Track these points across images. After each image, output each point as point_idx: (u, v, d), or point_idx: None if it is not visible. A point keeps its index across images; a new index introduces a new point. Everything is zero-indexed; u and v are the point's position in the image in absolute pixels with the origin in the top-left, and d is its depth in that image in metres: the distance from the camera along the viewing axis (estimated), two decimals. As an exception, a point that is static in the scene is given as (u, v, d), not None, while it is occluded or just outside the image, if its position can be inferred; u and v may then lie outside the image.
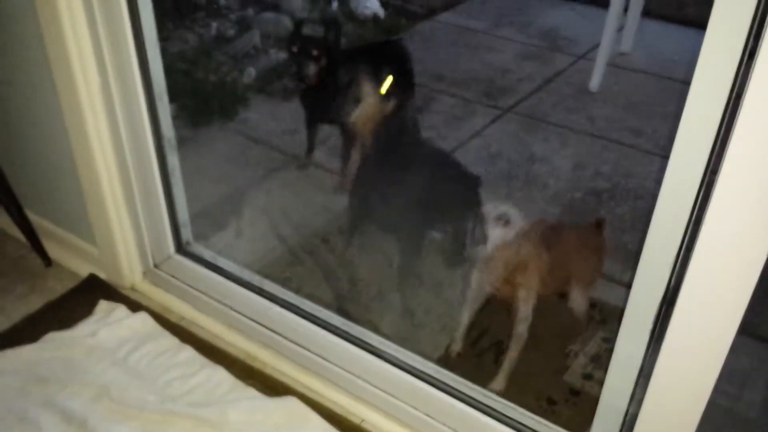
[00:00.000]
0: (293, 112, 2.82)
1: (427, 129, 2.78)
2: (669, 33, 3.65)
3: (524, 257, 1.58)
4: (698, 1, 3.66)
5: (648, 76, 3.21)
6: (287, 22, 3.31)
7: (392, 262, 2.02)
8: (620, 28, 3.21)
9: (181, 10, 3.33)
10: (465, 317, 1.77)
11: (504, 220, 1.55)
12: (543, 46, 3.52)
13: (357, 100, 2.14)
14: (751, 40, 0.86)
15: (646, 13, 3.37)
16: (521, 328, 1.64)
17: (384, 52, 2.51)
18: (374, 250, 2.10)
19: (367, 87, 2.07)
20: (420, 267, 1.99)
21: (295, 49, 2.20)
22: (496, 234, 1.55)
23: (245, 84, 2.95)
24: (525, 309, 1.63)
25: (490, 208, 1.57)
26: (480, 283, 1.69)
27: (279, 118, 2.81)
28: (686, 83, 0.93)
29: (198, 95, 2.82)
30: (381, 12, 3.63)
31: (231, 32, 3.28)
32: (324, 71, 2.20)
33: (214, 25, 3.30)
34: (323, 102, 2.30)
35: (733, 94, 0.91)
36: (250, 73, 2.98)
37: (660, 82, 3.15)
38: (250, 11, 3.44)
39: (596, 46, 3.21)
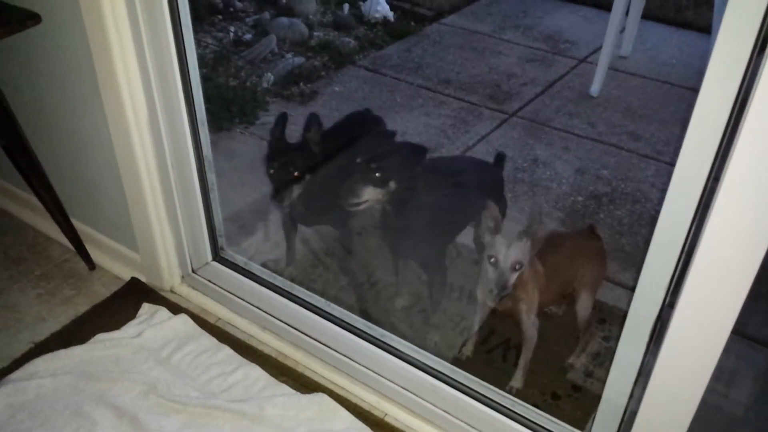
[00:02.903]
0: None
1: (435, 133, 2.93)
2: (667, 36, 3.78)
3: (522, 275, 1.64)
4: (697, 3, 3.79)
5: (646, 80, 3.34)
6: (302, 28, 3.45)
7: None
8: (621, 30, 3.33)
9: (199, 14, 3.45)
10: (475, 327, 1.90)
11: (518, 266, 1.59)
12: (546, 49, 3.65)
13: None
14: (758, 47, 0.94)
15: (645, 15, 3.49)
16: (530, 333, 1.76)
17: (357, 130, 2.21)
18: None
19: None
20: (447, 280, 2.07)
21: (272, 171, 1.87)
22: (514, 280, 1.60)
23: (264, 88, 3.09)
24: (528, 319, 1.74)
25: (498, 255, 1.59)
26: (484, 298, 1.79)
27: (297, 122, 2.94)
28: (683, 87, 1.02)
29: (219, 100, 2.96)
30: (390, 15, 3.76)
31: (248, 36, 3.41)
32: (306, 184, 1.89)
33: (232, 29, 3.43)
34: (306, 206, 1.99)
35: (737, 104, 0.98)
36: (269, 78, 3.11)
37: (658, 87, 3.28)
38: (266, 15, 3.57)
39: (597, 49, 3.35)
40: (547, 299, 1.83)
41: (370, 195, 1.75)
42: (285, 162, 1.86)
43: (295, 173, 1.85)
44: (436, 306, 2.04)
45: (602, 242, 1.95)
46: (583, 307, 1.88)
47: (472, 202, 1.94)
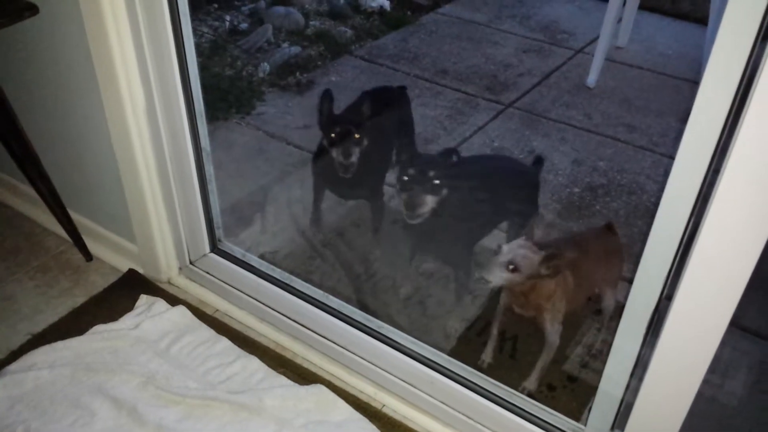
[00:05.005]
0: (306, 106, 2.97)
1: (432, 124, 2.92)
2: (663, 27, 3.78)
3: (549, 284, 1.66)
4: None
5: (642, 71, 3.35)
6: (298, 17, 3.43)
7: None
8: (618, 21, 3.33)
9: (195, 3, 3.43)
10: (495, 331, 1.88)
11: (512, 267, 1.59)
12: (543, 40, 3.65)
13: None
14: (761, 35, 0.93)
15: (642, 6, 3.49)
16: (552, 339, 1.76)
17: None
18: (390, 246, 2.25)
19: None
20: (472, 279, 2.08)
21: (333, 134, 1.91)
22: (503, 277, 1.60)
23: (260, 78, 3.07)
24: (553, 327, 1.74)
25: (503, 250, 1.61)
26: (507, 303, 1.80)
27: (294, 112, 2.95)
28: (679, 78, 1.01)
29: (215, 90, 2.94)
30: (387, 5, 3.74)
31: (243, 25, 3.40)
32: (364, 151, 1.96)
33: (227, 18, 3.41)
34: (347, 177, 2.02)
35: (739, 94, 0.98)
36: (265, 67, 3.10)
37: (654, 78, 3.28)
38: (262, 3, 3.55)
39: (594, 39, 3.35)
40: (576, 305, 1.84)
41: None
42: (346, 126, 1.94)
43: (356, 135, 1.92)
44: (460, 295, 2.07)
45: (619, 237, 1.96)
46: (609, 302, 1.90)
47: (505, 205, 2.01)
